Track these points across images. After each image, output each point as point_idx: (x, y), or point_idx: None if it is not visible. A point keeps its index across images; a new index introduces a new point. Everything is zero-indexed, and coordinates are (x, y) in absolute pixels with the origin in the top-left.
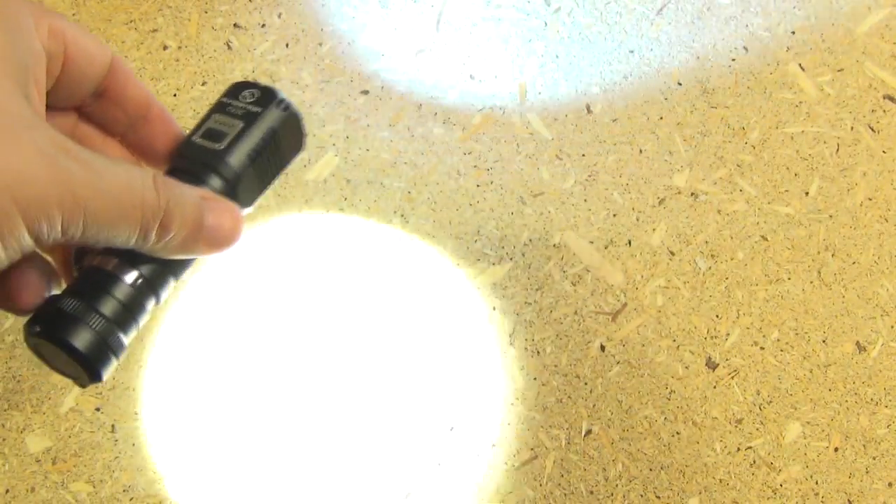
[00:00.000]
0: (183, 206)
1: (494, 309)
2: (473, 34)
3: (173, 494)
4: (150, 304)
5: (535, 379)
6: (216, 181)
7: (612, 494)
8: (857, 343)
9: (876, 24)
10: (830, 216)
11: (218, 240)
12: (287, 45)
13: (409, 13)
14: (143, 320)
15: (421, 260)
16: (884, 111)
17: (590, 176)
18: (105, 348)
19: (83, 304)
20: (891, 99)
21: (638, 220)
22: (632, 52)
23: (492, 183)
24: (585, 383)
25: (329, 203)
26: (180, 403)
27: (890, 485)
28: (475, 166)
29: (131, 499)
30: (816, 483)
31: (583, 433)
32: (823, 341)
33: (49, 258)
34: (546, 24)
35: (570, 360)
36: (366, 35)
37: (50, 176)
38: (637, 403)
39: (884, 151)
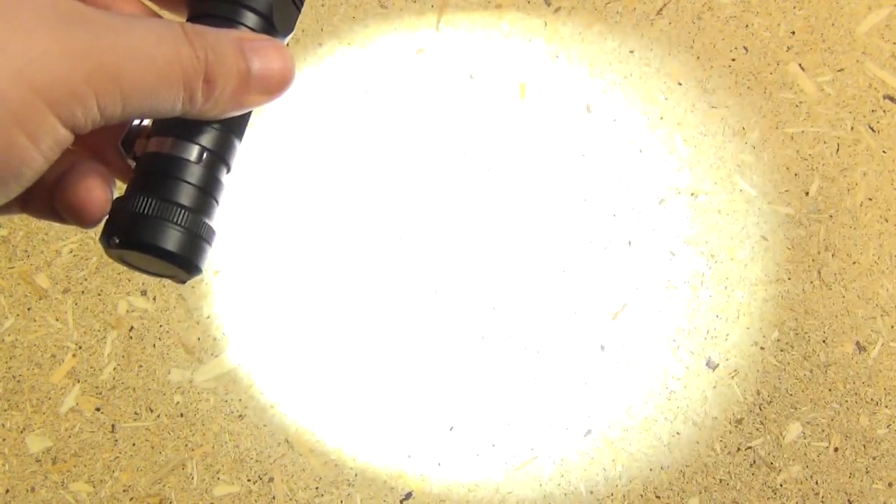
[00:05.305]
0: (223, 54)
1: (494, 308)
2: (473, 34)
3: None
4: (223, 176)
5: (535, 379)
6: (248, 17)
7: (612, 494)
8: (857, 343)
9: (876, 24)
10: (830, 216)
11: (270, 84)
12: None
13: (409, 13)
14: (222, 196)
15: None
16: (884, 111)
17: (590, 176)
18: (197, 240)
19: (157, 199)
20: (891, 99)
21: (638, 220)
22: (632, 52)
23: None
24: (585, 383)
25: None
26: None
27: (890, 485)
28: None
29: (131, 499)
30: (816, 483)
31: (583, 433)
32: (823, 341)
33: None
34: (546, 24)
35: (571, 360)
36: (366, 35)
37: (66, 48)
38: (637, 403)
39: (884, 151)
